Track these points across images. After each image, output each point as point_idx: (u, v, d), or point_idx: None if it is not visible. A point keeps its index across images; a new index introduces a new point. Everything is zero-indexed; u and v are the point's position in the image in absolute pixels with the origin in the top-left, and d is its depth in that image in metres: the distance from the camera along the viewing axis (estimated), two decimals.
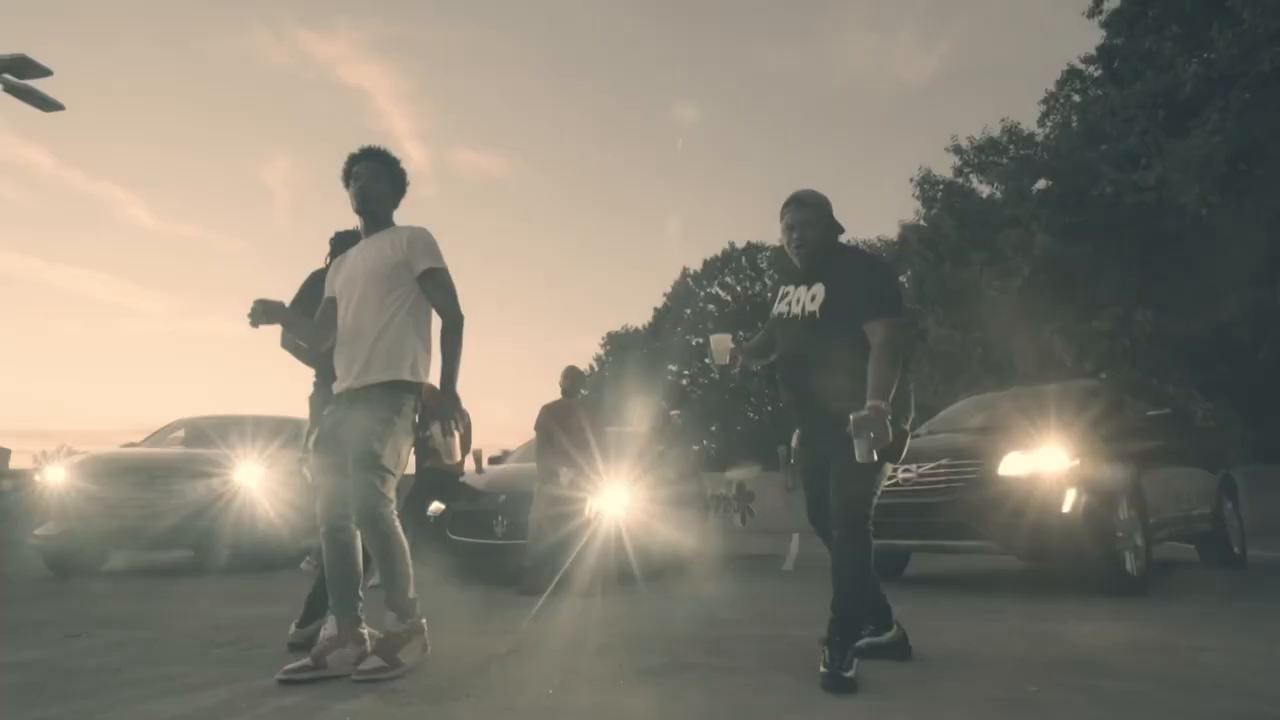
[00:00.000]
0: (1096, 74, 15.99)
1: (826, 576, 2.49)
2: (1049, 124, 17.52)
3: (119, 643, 3.01)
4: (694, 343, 34.56)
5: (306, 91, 40.72)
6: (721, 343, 2.87)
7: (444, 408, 2.59)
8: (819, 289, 2.59)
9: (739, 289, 34.43)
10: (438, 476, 5.75)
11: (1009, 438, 4.55)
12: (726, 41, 43.75)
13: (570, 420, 5.48)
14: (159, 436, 7.87)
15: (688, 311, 34.48)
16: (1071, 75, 17.16)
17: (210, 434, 7.46)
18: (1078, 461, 4.30)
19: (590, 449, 5.40)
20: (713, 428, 33.12)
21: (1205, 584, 5.15)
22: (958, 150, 18.91)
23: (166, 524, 5.99)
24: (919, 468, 4.71)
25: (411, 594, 2.62)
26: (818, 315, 2.56)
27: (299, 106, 41.47)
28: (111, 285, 39.04)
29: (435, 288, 2.65)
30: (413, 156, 39.39)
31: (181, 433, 8.01)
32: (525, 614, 4.00)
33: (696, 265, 34.71)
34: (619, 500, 5.47)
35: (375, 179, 2.71)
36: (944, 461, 4.62)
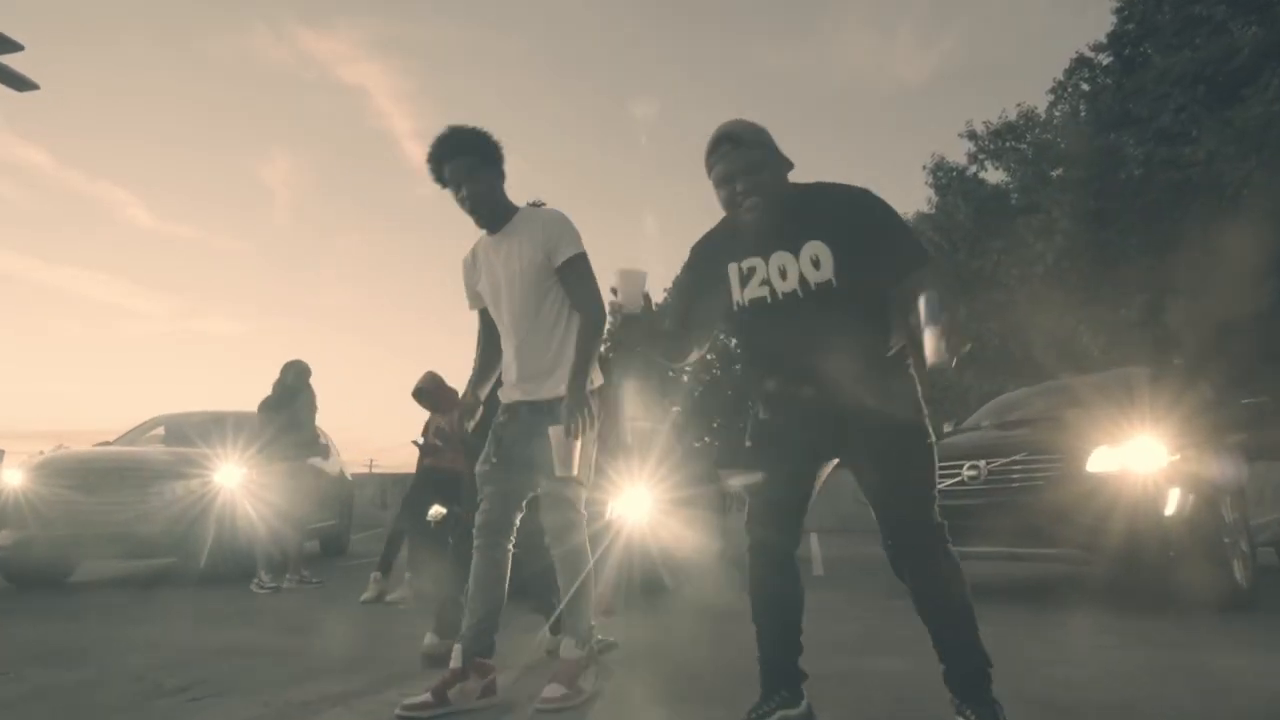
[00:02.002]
0: (1107, 62, 15.63)
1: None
2: (1058, 113, 17.10)
3: (42, 689, 2.42)
4: None
5: (306, 91, 40.17)
6: (632, 279, 1.94)
7: (570, 407, 2.25)
8: (817, 250, 1.85)
9: None
10: (438, 477, 5.15)
11: (1094, 429, 3.96)
12: (726, 41, 43.20)
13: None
14: (136, 434, 7.28)
15: None
16: (1080, 64, 16.75)
17: (191, 432, 6.87)
18: (1178, 456, 3.73)
19: (613, 446, 4.82)
20: (715, 424, 32.55)
21: None
22: (972, 136, 18.38)
23: (137, 530, 5.40)
24: (987, 464, 4.14)
25: (593, 620, 2.43)
26: (834, 284, 1.84)
27: (299, 106, 40.92)
28: (111, 285, 38.45)
29: (576, 277, 2.37)
30: (412, 156, 38.88)
31: (161, 430, 7.42)
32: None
33: None
34: (640, 504, 4.89)
35: (475, 179, 2.34)
36: (1018, 457, 4.04)
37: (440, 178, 2.37)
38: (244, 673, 2.65)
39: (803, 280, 1.87)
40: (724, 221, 2.03)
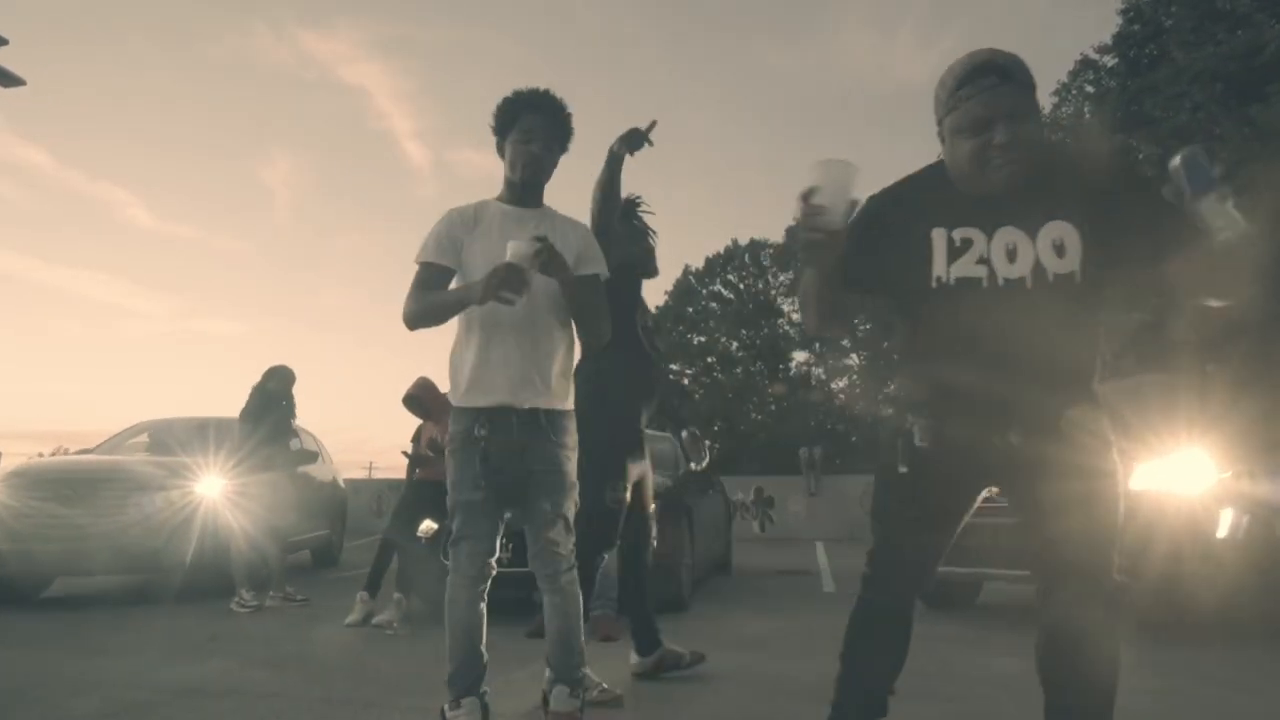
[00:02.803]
0: (1111, 64, 15.58)
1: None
2: (1061, 114, 16.97)
3: None
4: (695, 341, 33.77)
5: (307, 91, 39.72)
6: (839, 173, 1.46)
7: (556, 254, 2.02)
8: (1062, 232, 1.46)
9: (741, 286, 33.76)
10: (431, 490, 4.87)
11: (1132, 443, 3.68)
12: (727, 41, 42.94)
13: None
14: (117, 441, 7.01)
15: (690, 310, 33.73)
16: (1085, 65, 16.62)
17: (177, 438, 6.61)
18: (1229, 474, 3.45)
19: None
20: (715, 427, 32.30)
21: None
22: None
23: (112, 545, 5.12)
24: None
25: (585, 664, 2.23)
26: (1078, 278, 1.46)
27: (299, 106, 40.39)
28: (111, 285, 38.09)
29: (596, 295, 2.20)
30: (413, 156, 38.39)
31: (145, 437, 7.17)
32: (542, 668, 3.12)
33: (698, 263, 33.91)
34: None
35: (550, 147, 2.20)
36: None
37: (509, 122, 2.18)
38: (201, 711, 2.36)
39: (1038, 269, 1.47)
40: (920, 178, 1.65)
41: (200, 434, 6.42)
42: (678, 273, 33.90)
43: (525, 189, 2.20)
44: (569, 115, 2.23)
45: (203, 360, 41.23)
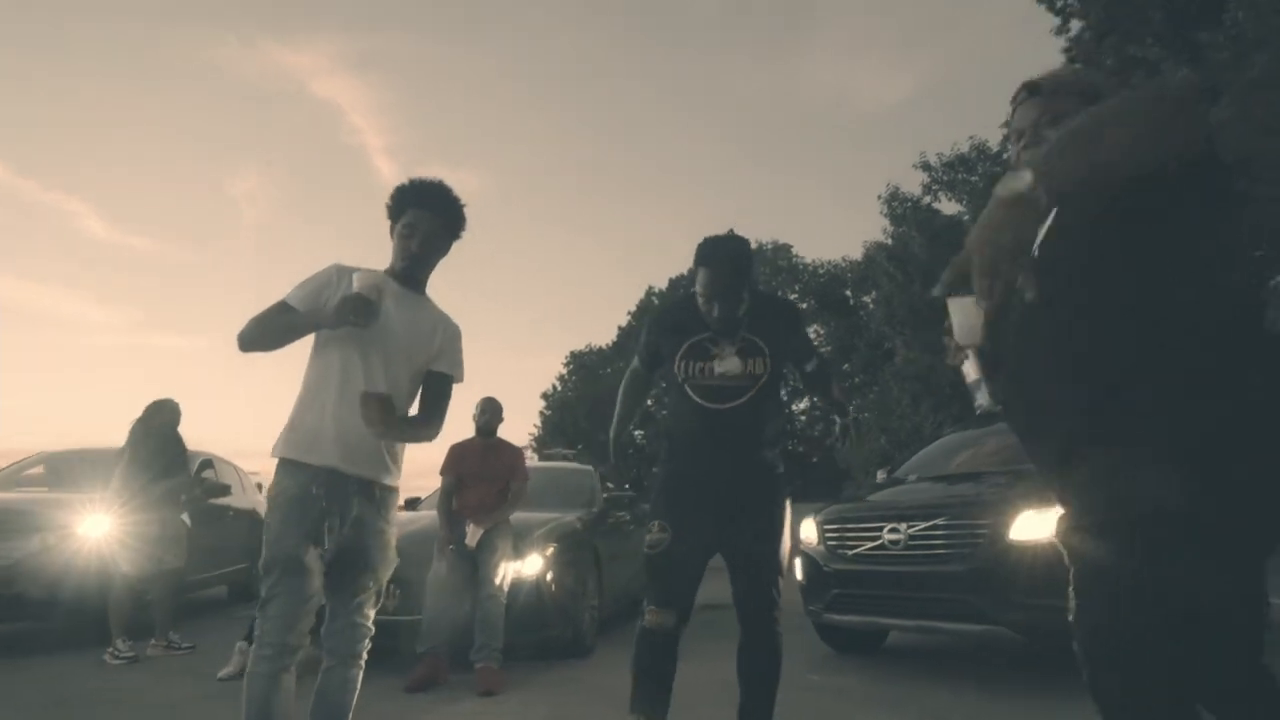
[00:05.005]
0: None
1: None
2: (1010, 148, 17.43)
3: None
4: None
5: (277, 105, 38.99)
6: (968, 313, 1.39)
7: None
8: None
9: None
10: None
11: (1023, 487, 3.62)
12: (699, 64, 43.51)
13: (486, 464, 4.44)
14: (12, 472, 6.65)
15: None
16: None
17: (76, 470, 6.28)
18: None
19: (510, 497, 4.39)
20: None
21: None
22: (926, 167, 18.47)
23: None
24: (908, 528, 3.77)
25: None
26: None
27: (269, 120, 39.71)
28: (69, 298, 36.64)
29: (444, 398, 2.24)
30: (383, 172, 37.87)
31: (40, 469, 6.80)
32: None
33: (662, 284, 33.90)
34: (536, 561, 4.41)
35: (437, 244, 2.23)
36: (940, 520, 3.68)
37: (397, 212, 2.19)
38: None
39: None
40: None
41: (99, 467, 6.09)
42: (640, 294, 33.90)
43: (408, 280, 2.22)
44: (462, 211, 2.23)
45: (161, 373, 39.92)
